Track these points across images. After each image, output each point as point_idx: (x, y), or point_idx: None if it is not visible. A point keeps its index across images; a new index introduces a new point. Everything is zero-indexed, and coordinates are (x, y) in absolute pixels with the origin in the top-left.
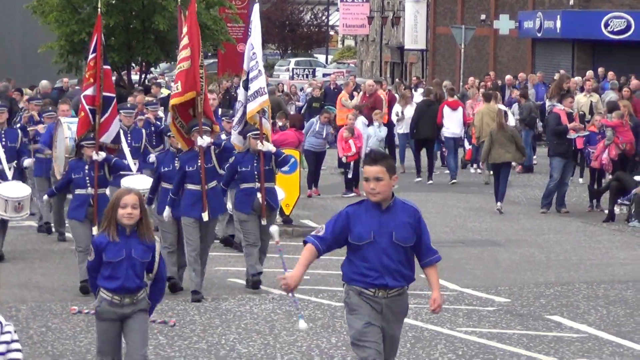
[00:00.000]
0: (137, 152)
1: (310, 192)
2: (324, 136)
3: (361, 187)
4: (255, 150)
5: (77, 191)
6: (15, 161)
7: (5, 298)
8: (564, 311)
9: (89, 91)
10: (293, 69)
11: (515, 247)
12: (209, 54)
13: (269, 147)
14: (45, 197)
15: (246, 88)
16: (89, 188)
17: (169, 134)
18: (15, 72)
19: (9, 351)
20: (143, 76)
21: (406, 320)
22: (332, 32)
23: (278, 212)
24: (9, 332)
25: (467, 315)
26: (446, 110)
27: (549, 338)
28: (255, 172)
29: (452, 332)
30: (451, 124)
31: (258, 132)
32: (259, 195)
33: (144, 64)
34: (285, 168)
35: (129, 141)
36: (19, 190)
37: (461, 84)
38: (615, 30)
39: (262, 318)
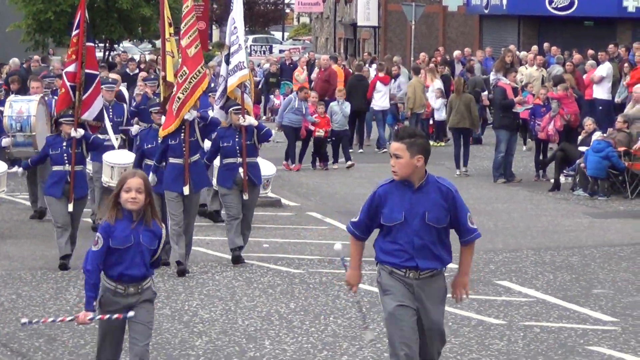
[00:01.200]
0: (119, 128)
1: (287, 165)
2: (302, 112)
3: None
4: (237, 125)
5: (55, 168)
6: None
7: None
8: (513, 276)
9: (71, 68)
10: (251, 45)
11: None
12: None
13: (250, 121)
14: (20, 169)
15: (227, 62)
16: (67, 165)
17: (151, 109)
18: None
19: None
20: (107, 53)
21: None
22: (287, 10)
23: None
24: None
25: None
26: (378, 84)
27: (498, 302)
28: (237, 147)
29: None
30: (380, 98)
31: (239, 107)
32: (240, 170)
33: (107, 41)
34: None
35: (110, 116)
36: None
37: (412, 59)
38: (559, 6)
39: (223, 285)
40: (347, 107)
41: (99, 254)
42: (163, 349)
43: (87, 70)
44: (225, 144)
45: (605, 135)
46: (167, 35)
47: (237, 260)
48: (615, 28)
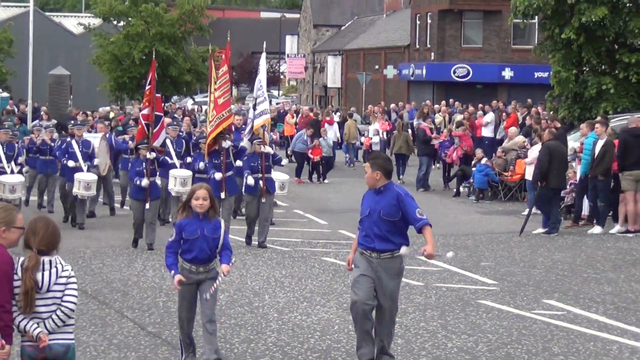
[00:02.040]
0: (179, 155)
1: (299, 180)
2: (308, 143)
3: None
4: (259, 152)
5: (137, 180)
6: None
7: (75, 245)
8: None
9: (145, 111)
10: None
11: None
12: (205, 89)
13: (268, 149)
14: (145, 181)
15: (254, 109)
16: (144, 178)
17: (200, 141)
18: (82, 101)
19: (67, 284)
20: (164, 104)
21: None
22: (282, 76)
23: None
24: (67, 270)
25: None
26: (326, 125)
27: (419, 270)
28: (259, 167)
29: None
30: (330, 133)
31: (261, 139)
32: (261, 182)
33: (163, 96)
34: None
35: (174, 147)
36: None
37: (363, 109)
38: (460, 75)
39: (238, 258)
40: (330, 140)
41: (175, 242)
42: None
43: (156, 113)
44: (252, 164)
45: (487, 160)
46: (212, 89)
47: (259, 245)
48: (497, 90)
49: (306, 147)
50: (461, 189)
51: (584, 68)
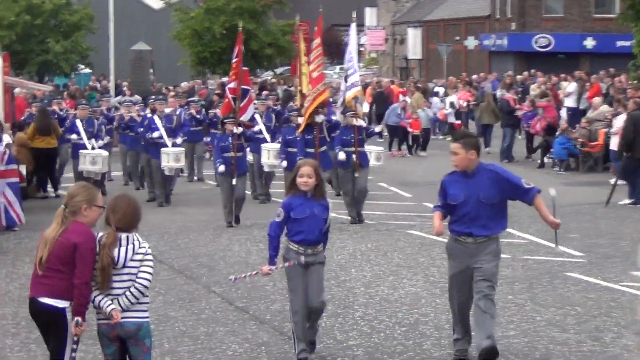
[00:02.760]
0: (269, 129)
1: (393, 154)
2: (402, 116)
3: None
4: (351, 124)
5: (224, 154)
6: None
7: (161, 221)
8: (514, 224)
9: (232, 84)
10: (338, 72)
11: None
12: (286, 63)
13: (360, 122)
14: (222, 167)
15: (345, 80)
16: (231, 152)
17: (290, 114)
18: (163, 76)
19: (143, 261)
20: (250, 78)
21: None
22: (362, 49)
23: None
24: (144, 247)
25: None
26: (400, 96)
27: (504, 243)
28: (352, 140)
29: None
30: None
31: (354, 112)
32: (354, 156)
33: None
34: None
35: (264, 121)
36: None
37: (445, 80)
38: (542, 45)
39: None
40: (429, 112)
41: (281, 224)
42: None
43: (243, 86)
44: (344, 137)
45: (571, 131)
46: (302, 62)
47: (357, 220)
48: (579, 59)
49: (400, 119)
50: (545, 159)
51: None
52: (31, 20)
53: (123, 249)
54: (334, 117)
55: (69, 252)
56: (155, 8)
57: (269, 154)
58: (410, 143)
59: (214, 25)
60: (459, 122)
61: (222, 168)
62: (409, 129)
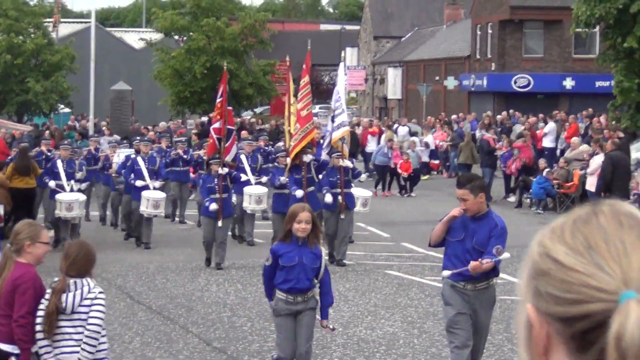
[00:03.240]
0: (254, 171)
1: (383, 194)
2: (389, 156)
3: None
4: (337, 166)
5: (211, 195)
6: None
7: (139, 261)
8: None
9: (217, 125)
10: (317, 112)
11: None
12: (265, 103)
13: (347, 163)
14: (214, 206)
15: (332, 121)
16: (217, 194)
17: (277, 154)
18: (143, 116)
19: (92, 306)
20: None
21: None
22: None
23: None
24: (94, 292)
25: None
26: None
27: None
28: (338, 181)
29: (423, 279)
30: (372, 145)
31: (340, 153)
32: (340, 197)
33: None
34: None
35: (249, 162)
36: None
37: (423, 120)
38: (521, 85)
39: None
40: (419, 153)
41: (271, 268)
42: None
43: (227, 126)
44: (330, 179)
45: (549, 171)
46: (292, 102)
47: (337, 263)
48: (558, 100)
49: (388, 159)
50: (523, 199)
51: None
52: (12, 60)
53: (71, 295)
54: (322, 157)
55: (13, 295)
56: (137, 48)
57: (251, 199)
58: (403, 183)
59: (195, 65)
60: (437, 162)
61: (214, 206)
62: (399, 170)
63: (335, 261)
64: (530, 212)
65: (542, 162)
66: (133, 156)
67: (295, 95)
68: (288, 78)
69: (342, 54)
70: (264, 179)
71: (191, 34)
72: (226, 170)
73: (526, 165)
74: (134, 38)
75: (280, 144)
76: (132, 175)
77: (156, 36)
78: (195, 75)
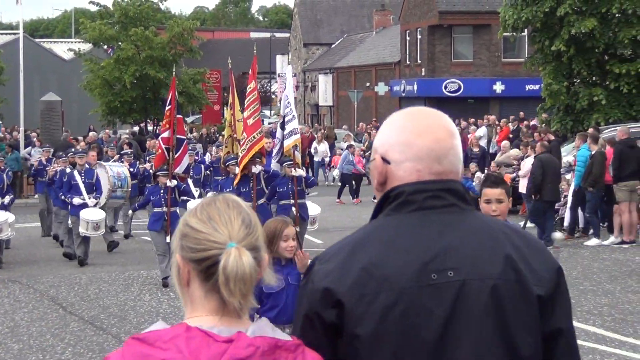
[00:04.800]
0: (199, 182)
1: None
2: (354, 163)
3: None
4: (290, 175)
5: (155, 209)
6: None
7: (72, 272)
8: None
9: (165, 134)
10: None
11: None
12: (196, 111)
13: (300, 172)
14: (130, 211)
15: (282, 128)
16: (164, 207)
17: (227, 163)
18: (74, 127)
19: None
20: (155, 128)
21: None
22: (273, 96)
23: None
24: None
25: None
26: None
27: None
28: (290, 192)
29: None
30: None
31: (292, 161)
32: (293, 209)
33: (155, 119)
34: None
35: (193, 174)
36: (98, 214)
37: (355, 126)
38: (451, 90)
39: None
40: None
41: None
42: None
43: (177, 136)
44: (281, 190)
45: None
46: (237, 108)
47: None
48: (489, 104)
49: (353, 166)
50: None
51: (575, 80)
52: None
53: None
54: (272, 167)
55: None
56: (66, 58)
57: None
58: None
59: (124, 74)
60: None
61: (157, 225)
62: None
63: None
64: None
65: (472, 166)
66: (69, 170)
67: (233, 102)
68: (232, 84)
69: (289, 57)
70: (210, 194)
71: (120, 43)
72: (175, 182)
73: None
74: (63, 49)
75: (231, 153)
76: (66, 192)
77: (85, 46)
78: (124, 85)
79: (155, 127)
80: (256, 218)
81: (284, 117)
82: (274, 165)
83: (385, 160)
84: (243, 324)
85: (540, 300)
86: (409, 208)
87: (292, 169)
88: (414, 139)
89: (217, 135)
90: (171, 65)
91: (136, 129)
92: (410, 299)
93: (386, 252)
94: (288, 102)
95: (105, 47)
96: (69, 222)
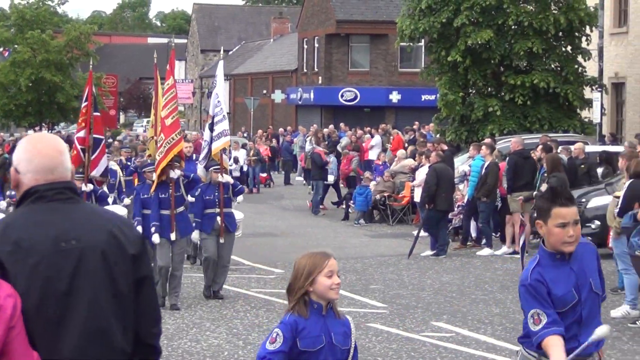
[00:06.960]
0: (113, 188)
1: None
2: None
3: None
4: (216, 182)
5: None
6: None
7: None
8: None
9: (81, 134)
10: (145, 125)
11: (287, 237)
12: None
13: (227, 178)
14: None
15: (211, 129)
16: None
17: (144, 169)
18: None
19: None
20: (50, 131)
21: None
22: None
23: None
24: None
25: (257, 281)
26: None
27: None
28: (216, 200)
29: (249, 292)
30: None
31: (219, 166)
32: (218, 218)
33: (50, 123)
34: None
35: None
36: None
37: (251, 133)
38: (348, 99)
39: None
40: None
41: (278, 355)
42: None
43: (94, 136)
44: (206, 197)
45: (375, 183)
46: (160, 107)
47: (215, 295)
48: (385, 113)
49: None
50: (350, 210)
51: (470, 90)
52: None
53: None
54: (196, 172)
55: None
56: None
57: None
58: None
59: (20, 77)
60: (264, 174)
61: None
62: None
63: (213, 293)
64: (356, 225)
65: (367, 175)
66: None
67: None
68: (156, 80)
69: (221, 52)
70: (127, 200)
71: (16, 46)
72: (91, 187)
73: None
74: None
75: (146, 157)
76: None
77: None
78: (20, 88)
79: (49, 131)
80: None
81: (213, 117)
82: (200, 171)
83: (17, 171)
84: None
85: (133, 257)
86: (43, 200)
87: (219, 175)
88: (33, 157)
89: (113, 140)
90: (67, 69)
91: (31, 132)
92: (49, 261)
93: (30, 230)
94: (218, 101)
95: (1, 49)
96: None
